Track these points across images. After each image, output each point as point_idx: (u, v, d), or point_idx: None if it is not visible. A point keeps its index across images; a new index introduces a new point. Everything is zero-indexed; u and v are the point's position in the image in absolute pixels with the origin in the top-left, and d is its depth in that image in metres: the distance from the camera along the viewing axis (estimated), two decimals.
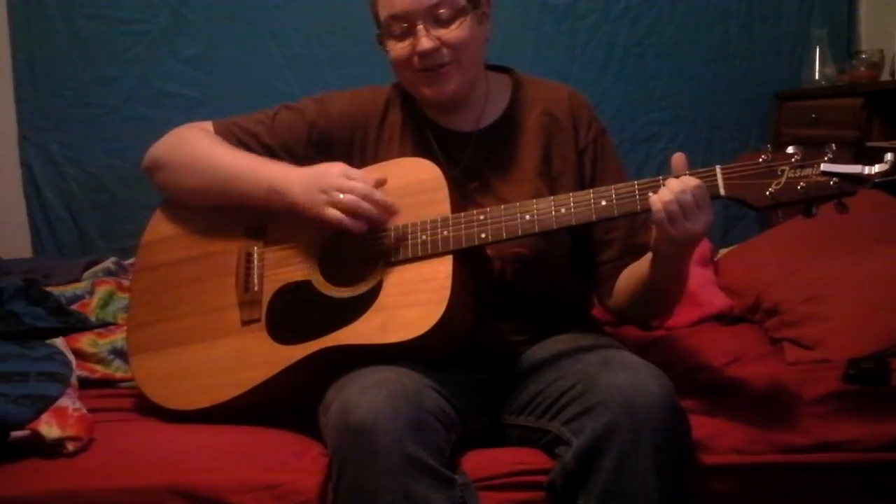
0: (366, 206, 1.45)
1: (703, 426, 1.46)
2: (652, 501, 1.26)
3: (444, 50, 1.50)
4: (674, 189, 1.31)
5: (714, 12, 2.93)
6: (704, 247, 2.23)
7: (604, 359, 1.39)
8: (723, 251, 2.39)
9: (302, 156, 1.61)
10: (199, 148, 1.59)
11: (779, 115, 2.90)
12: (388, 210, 1.47)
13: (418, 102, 1.63)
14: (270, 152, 1.62)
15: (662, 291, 1.49)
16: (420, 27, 1.49)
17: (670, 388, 1.32)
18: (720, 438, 1.47)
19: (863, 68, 2.65)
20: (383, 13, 1.52)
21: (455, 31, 1.50)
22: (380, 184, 1.48)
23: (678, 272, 1.44)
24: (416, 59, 1.51)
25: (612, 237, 1.57)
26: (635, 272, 1.52)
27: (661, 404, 1.27)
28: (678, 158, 1.35)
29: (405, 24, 1.50)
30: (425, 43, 1.49)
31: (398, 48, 1.52)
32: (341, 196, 1.45)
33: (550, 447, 1.39)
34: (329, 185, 1.46)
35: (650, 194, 1.34)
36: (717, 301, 2.07)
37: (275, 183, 1.51)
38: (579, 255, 1.61)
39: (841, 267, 1.84)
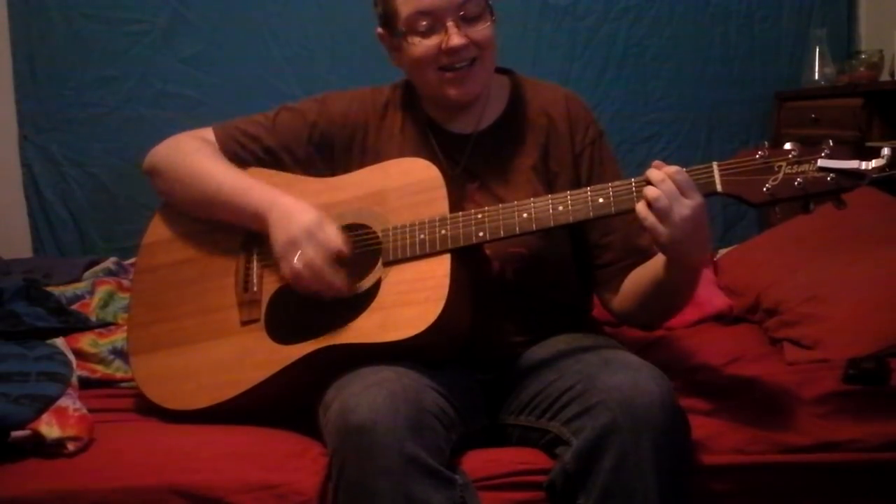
0: (315, 274, 1.43)
1: (703, 426, 1.46)
2: (651, 501, 1.26)
3: (472, 47, 1.50)
4: (654, 178, 1.31)
5: (714, 12, 2.94)
6: None
7: (603, 359, 1.39)
8: (723, 251, 2.40)
9: (303, 157, 1.62)
10: (192, 161, 1.59)
11: (779, 115, 2.90)
12: (337, 283, 1.44)
13: (419, 103, 1.63)
14: (272, 154, 1.62)
15: (674, 290, 1.46)
16: (450, 23, 1.48)
17: (669, 388, 1.31)
18: (720, 438, 1.47)
19: (862, 68, 2.65)
20: (407, 9, 1.50)
21: (482, 30, 1.50)
22: (340, 255, 1.45)
23: (690, 268, 1.40)
24: (443, 56, 1.50)
25: (609, 240, 1.57)
26: (646, 273, 1.50)
27: (660, 404, 1.27)
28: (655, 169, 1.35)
29: (431, 21, 1.49)
30: (457, 39, 1.48)
31: (424, 45, 1.51)
32: (298, 253, 1.43)
33: (550, 447, 1.39)
34: (293, 236, 1.44)
35: (634, 195, 1.34)
36: (717, 301, 2.07)
37: (260, 211, 1.50)
38: (579, 259, 1.61)
39: (841, 267, 1.84)
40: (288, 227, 1.46)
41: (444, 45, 1.49)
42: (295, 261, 1.43)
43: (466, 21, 1.49)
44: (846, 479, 1.47)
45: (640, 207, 1.32)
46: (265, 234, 1.50)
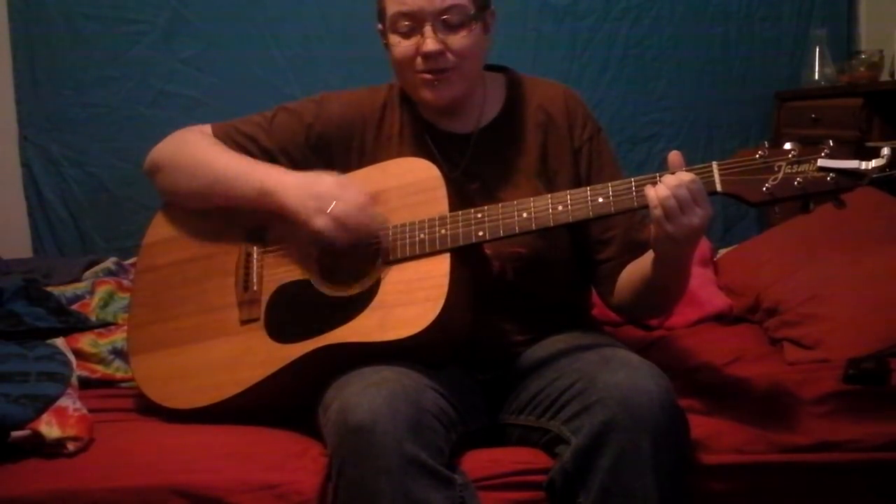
0: (355, 217, 1.45)
1: (703, 426, 1.46)
2: (650, 500, 1.26)
3: (449, 55, 1.50)
4: (669, 184, 1.31)
5: (714, 12, 2.93)
6: (704, 246, 2.23)
7: (603, 357, 1.39)
8: (723, 251, 2.39)
9: (300, 159, 1.61)
10: (195, 150, 1.60)
11: (779, 115, 2.90)
12: (377, 223, 1.47)
13: (416, 104, 1.63)
14: (269, 156, 1.62)
15: (664, 289, 1.49)
16: (428, 28, 1.48)
17: (669, 387, 1.32)
18: (720, 438, 1.47)
19: (862, 68, 2.64)
20: (392, 7, 1.51)
21: (462, 39, 1.50)
22: (373, 196, 1.48)
23: (679, 270, 1.44)
24: (419, 59, 1.51)
25: (610, 235, 1.57)
26: (637, 270, 1.52)
27: (659, 403, 1.27)
28: (674, 156, 1.35)
29: (412, 23, 1.50)
30: (431, 45, 1.48)
31: (402, 46, 1.52)
32: (333, 204, 1.45)
33: (550, 446, 1.39)
34: (322, 192, 1.46)
35: (647, 189, 1.33)
36: (717, 301, 2.07)
37: (267, 185, 1.51)
38: (580, 254, 1.61)
39: (841, 267, 1.84)
40: (310, 188, 1.48)
41: (419, 49, 1.49)
42: (329, 211, 1.44)
43: (448, 27, 1.49)
44: (846, 479, 1.47)
45: (651, 197, 1.32)
46: (272, 210, 1.50)
